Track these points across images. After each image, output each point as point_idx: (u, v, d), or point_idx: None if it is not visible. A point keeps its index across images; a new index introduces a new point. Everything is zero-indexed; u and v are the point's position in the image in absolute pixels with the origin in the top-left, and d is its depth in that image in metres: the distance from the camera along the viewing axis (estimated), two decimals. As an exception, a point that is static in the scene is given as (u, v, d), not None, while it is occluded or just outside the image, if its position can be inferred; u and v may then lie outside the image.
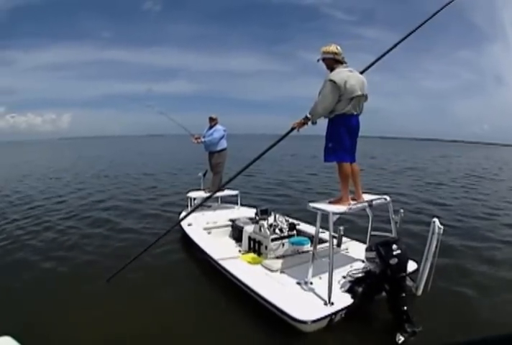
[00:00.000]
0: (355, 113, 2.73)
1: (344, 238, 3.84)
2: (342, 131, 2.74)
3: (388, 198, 3.02)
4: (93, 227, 5.56)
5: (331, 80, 2.63)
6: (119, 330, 2.61)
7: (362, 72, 2.91)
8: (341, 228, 3.55)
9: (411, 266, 3.15)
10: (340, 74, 2.66)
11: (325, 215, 2.68)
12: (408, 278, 3.09)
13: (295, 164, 16.51)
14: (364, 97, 2.76)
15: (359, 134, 2.88)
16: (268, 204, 5.75)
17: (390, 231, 3.13)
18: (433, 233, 2.82)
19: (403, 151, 33.65)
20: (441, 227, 2.79)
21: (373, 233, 3.35)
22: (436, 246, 2.83)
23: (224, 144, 5.61)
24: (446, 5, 2.89)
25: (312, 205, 2.80)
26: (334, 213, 2.63)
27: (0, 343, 1.27)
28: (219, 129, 5.49)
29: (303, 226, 4.15)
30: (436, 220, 2.82)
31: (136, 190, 9.28)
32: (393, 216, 3.05)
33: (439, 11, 2.87)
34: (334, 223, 2.68)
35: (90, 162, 18.60)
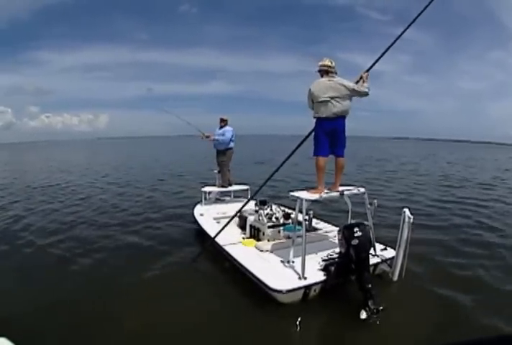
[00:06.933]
0: (326, 116, 3.17)
1: (333, 227, 4.21)
2: (319, 132, 3.26)
3: (362, 190, 3.32)
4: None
5: (309, 89, 3.25)
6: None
7: (357, 82, 3.24)
8: (311, 212, 4.12)
9: (390, 253, 3.43)
10: (314, 83, 3.22)
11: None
12: (385, 264, 3.38)
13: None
14: (331, 99, 3.09)
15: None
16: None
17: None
18: (403, 222, 3.08)
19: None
20: (411, 216, 3.04)
21: (352, 221, 3.64)
22: (408, 234, 3.08)
23: (230, 144, 6.00)
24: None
25: (291, 193, 3.25)
26: (306, 200, 3.04)
27: None
28: (228, 130, 5.91)
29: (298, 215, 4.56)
30: (406, 210, 3.07)
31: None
32: (369, 206, 3.35)
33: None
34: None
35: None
